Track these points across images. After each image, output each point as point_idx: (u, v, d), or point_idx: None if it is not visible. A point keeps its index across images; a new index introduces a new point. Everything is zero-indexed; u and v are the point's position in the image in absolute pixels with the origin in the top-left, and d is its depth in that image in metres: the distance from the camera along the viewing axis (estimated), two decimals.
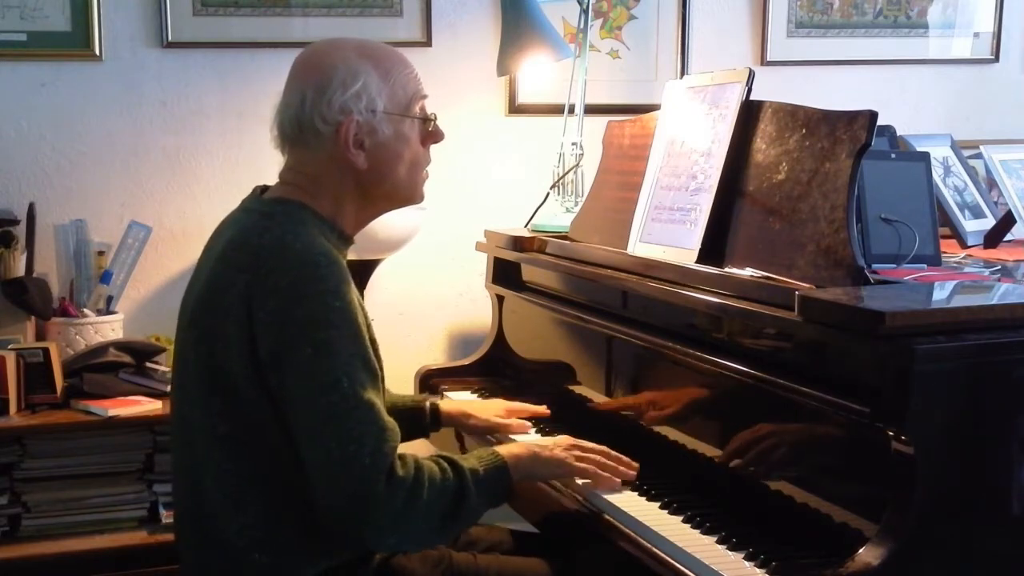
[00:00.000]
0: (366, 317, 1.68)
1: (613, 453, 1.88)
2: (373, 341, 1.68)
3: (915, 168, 2.10)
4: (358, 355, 1.60)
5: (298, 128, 1.71)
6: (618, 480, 1.84)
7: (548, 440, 1.90)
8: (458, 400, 2.37)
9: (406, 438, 1.70)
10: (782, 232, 1.78)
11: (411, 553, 1.79)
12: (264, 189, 1.79)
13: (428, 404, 2.16)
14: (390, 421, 1.61)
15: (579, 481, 1.86)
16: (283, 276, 1.59)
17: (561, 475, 1.87)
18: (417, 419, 2.13)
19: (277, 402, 1.60)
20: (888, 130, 2.45)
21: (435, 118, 1.80)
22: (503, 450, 1.79)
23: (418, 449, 1.91)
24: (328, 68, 1.70)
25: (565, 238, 2.41)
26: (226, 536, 1.64)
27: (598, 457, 1.86)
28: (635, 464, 1.87)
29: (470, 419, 2.18)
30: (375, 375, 1.63)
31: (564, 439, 1.89)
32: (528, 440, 1.91)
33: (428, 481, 1.61)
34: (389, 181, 1.75)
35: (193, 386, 1.67)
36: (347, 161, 1.70)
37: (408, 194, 1.80)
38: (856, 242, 1.66)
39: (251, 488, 1.64)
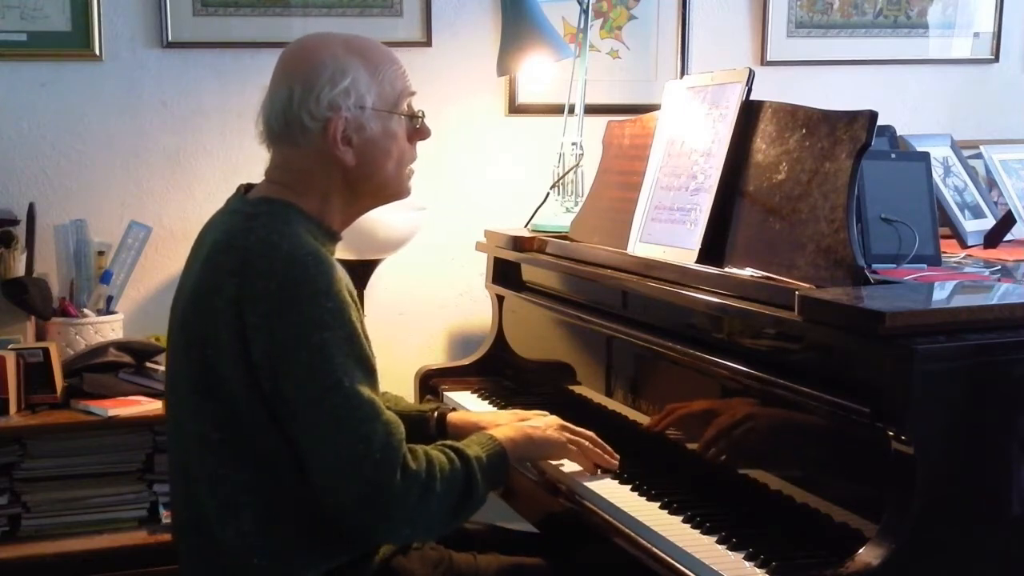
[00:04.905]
0: (359, 312, 1.66)
1: (600, 441, 1.92)
2: (366, 337, 1.66)
3: (915, 168, 2.10)
4: (354, 354, 1.59)
5: (285, 124, 1.69)
6: (598, 467, 1.88)
7: (539, 421, 1.93)
8: (468, 412, 2.23)
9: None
10: (782, 232, 1.78)
11: (417, 547, 1.80)
12: (248, 188, 1.77)
13: (435, 414, 2.05)
14: (391, 415, 1.61)
15: (566, 469, 1.89)
16: (272, 279, 1.57)
17: (553, 456, 1.91)
18: (421, 429, 2.03)
19: (272, 406, 1.59)
20: (888, 130, 2.45)
21: (423, 115, 1.78)
22: (498, 433, 1.81)
23: None
24: (316, 64, 1.67)
25: (565, 238, 2.41)
26: (224, 540, 1.64)
27: (585, 442, 1.90)
28: (616, 455, 1.91)
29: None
30: (372, 372, 1.63)
31: (553, 420, 1.94)
32: (519, 423, 1.92)
33: (439, 472, 1.63)
34: (376, 178, 1.74)
35: (185, 391, 1.65)
36: (335, 158, 1.69)
37: (395, 190, 1.79)
38: (856, 242, 1.66)
39: (246, 493, 1.63)
